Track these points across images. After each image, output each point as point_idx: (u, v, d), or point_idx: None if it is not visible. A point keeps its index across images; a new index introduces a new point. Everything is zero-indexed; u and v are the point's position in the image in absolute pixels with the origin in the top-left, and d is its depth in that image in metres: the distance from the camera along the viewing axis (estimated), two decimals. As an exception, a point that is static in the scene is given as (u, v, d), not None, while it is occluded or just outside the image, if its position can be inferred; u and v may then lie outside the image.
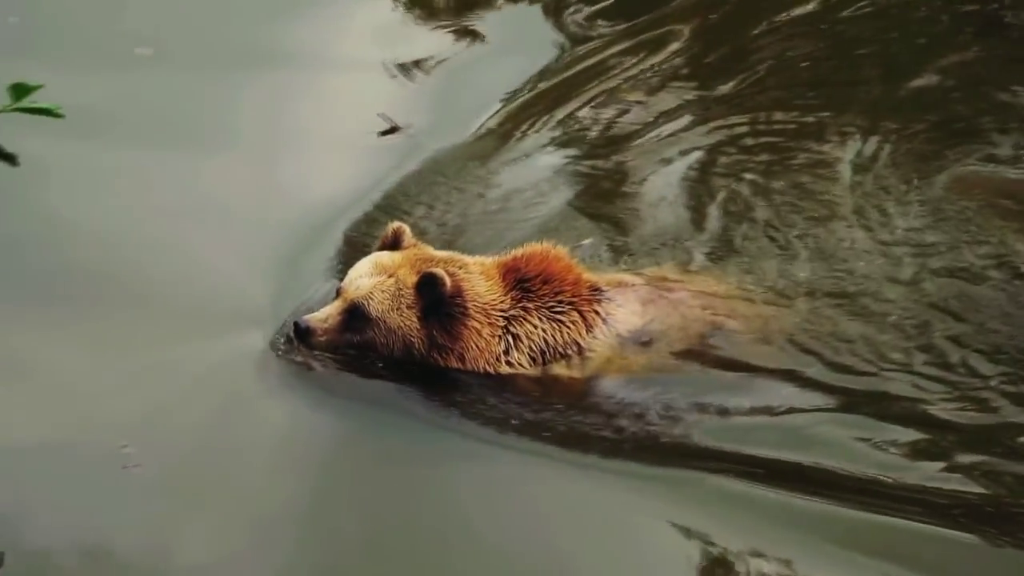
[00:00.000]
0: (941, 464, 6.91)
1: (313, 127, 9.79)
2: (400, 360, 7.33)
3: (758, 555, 6.47)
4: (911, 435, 7.08)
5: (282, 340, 7.48)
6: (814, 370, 7.47)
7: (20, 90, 5.30)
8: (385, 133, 9.71)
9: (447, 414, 7.20)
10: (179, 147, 9.28)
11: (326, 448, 7.14)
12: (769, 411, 7.23)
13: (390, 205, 8.85)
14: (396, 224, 7.54)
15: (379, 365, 7.36)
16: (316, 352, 7.34)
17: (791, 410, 7.24)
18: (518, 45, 10.96)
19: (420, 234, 8.25)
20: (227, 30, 10.72)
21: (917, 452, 7.00)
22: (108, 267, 8.10)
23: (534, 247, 7.56)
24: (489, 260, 7.53)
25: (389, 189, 9.03)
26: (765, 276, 8.06)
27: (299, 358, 7.39)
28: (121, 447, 6.86)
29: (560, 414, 7.20)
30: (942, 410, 7.24)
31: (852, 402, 7.29)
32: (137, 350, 7.52)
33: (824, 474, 6.84)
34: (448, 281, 7.17)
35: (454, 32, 11.15)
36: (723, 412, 7.21)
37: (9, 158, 5.35)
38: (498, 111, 10.11)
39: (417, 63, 10.58)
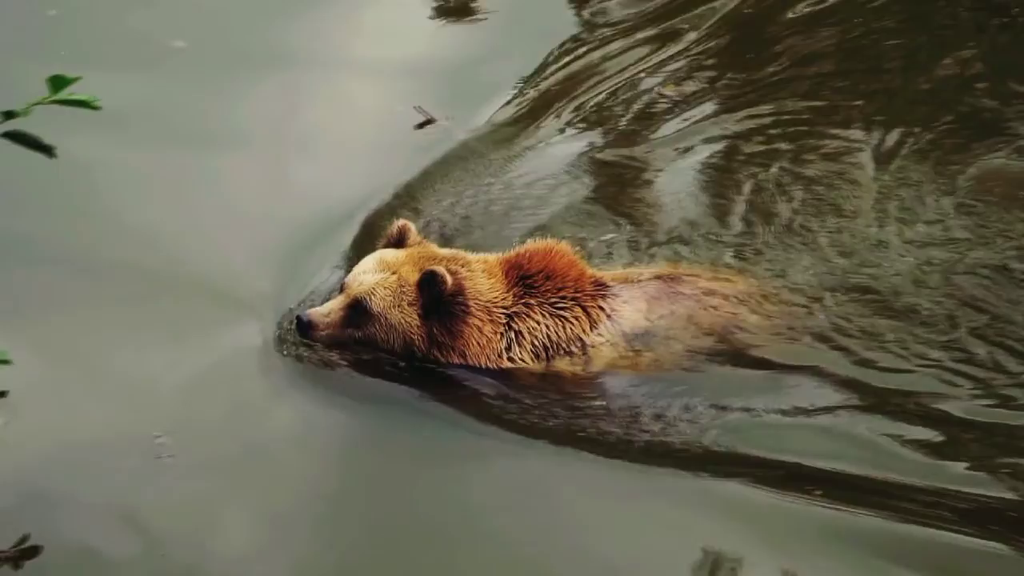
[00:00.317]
0: (965, 466, 6.82)
1: (338, 123, 9.81)
2: (404, 357, 7.39)
3: (755, 559, 6.43)
4: (936, 436, 7.00)
5: (281, 334, 7.58)
6: (836, 369, 7.40)
7: (58, 82, 5.34)
8: (421, 125, 9.72)
9: (464, 412, 7.22)
10: (204, 143, 9.33)
11: (344, 442, 7.20)
12: (784, 412, 7.17)
13: (412, 199, 8.88)
14: (401, 222, 7.60)
15: (400, 365, 7.40)
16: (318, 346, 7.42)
17: (809, 411, 7.17)
18: (537, 34, 10.92)
19: (440, 227, 8.30)
20: (251, 26, 10.73)
21: (942, 454, 6.92)
22: (136, 260, 8.18)
23: (538, 243, 7.58)
24: (493, 257, 7.56)
25: (411, 183, 9.05)
26: (787, 272, 8.02)
27: (303, 351, 7.47)
28: (155, 437, 6.92)
29: (570, 412, 7.20)
30: (967, 409, 7.15)
31: (876, 402, 7.21)
32: (162, 341, 7.62)
33: (847, 478, 6.77)
34: (449, 280, 7.22)
35: (470, 24, 11.12)
36: (734, 412, 7.15)
37: (46, 149, 5.38)
38: (519, 103, 10.10)
39: (436, 56, 10.57)
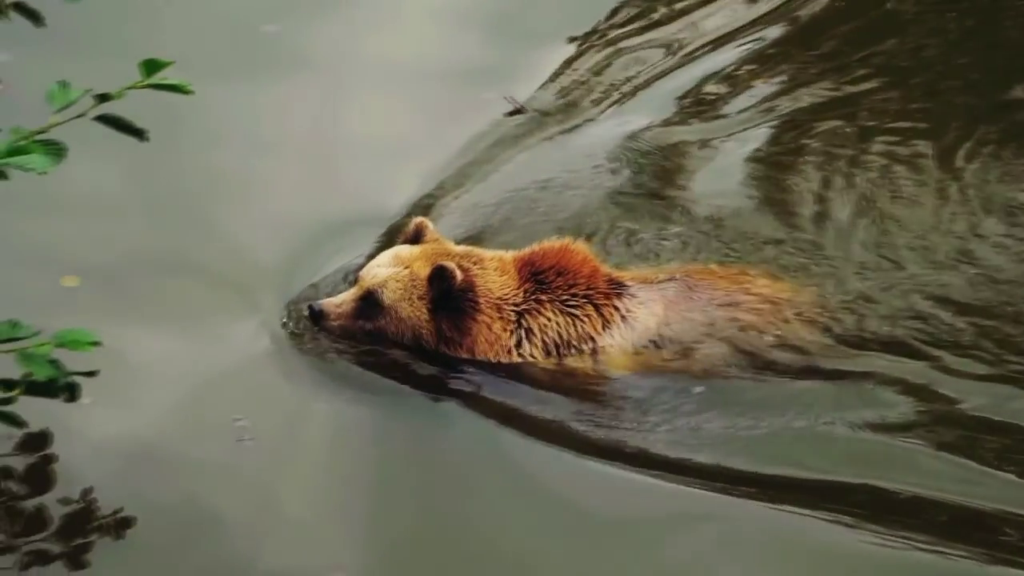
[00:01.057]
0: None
1: (413, 115, 9.84)
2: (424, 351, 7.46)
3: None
4: (966, 452, 6.74)
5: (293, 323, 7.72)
6: (879, 381, 7.19)
7: (151, 66, 5.38)
8: (511, 114, 9.74)
9: (483, 409, 7.24)
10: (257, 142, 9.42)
11: (378, 433, 7.26)
12: (819, 428, 6.97)
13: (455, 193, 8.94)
14: (419, 219, 7.70)
15: (435, 358, 7.46)
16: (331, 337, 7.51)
17: (832, 424, 6.97)
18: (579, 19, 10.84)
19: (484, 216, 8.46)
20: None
21: (981, 463, 6.68)
22: (196, 253, 8.31)
23: (553, 242, 7.59)
24: (508, 255, 7.59)
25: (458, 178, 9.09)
26: (841, 276, 7.86)
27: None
28: (235, 420, 7.07)
29: (577, 411, 7.18)
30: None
31: (935, 419, 6.98)
32: (221, 333, 7.75)
33: (878, 492, 6.57)
34: (458, 275, 7.29)
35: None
36: (765, 426, 7.00)
37: (138, 132, 5.44)
38: (568, 87, 10.06)
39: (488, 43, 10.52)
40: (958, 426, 6.91)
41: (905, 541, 6.27)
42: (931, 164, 8.81)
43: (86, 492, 6.48)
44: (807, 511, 6.46)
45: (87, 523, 6.37)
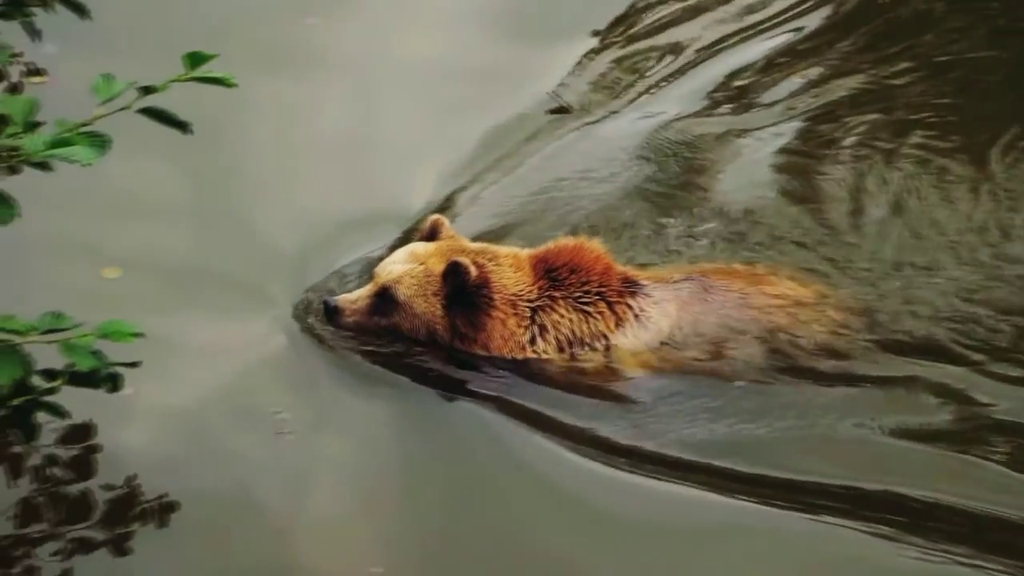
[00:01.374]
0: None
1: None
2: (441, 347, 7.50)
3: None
4: (1006, 460, 6.66)
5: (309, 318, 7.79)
6: (902, 388, 7.12)
7: (195, 59, 5.41)
8: (554, 111, 9.73)
9: (504, 409, 7.27)
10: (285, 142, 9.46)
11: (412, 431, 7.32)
12: (819, 431, 6.95)
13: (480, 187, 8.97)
14: (435, 216, 7.75)
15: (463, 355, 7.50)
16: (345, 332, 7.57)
17: (862, 430, 6.91)
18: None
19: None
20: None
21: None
22: (226, 250, 8.40)
23: (568, 239, 7.62)
24: (523, 252, 7.63)
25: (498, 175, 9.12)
26: (865, 280, 7.81)
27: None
28: (274, 413, 7.14)
29: (595, 412, 7.19)
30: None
31: (949, 426, 6.91)
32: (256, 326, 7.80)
33: (913, 502, 6.49)
34: (473, 271, 7.32)
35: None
36: (756, 427, 6.99)
37: (182, 125, 5.46)
38: (596, 77, 10.06)
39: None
40: (998, 432, 6.84)
41: (944, 555, 6.23)
42: (966, 161, 8.71)
43: (130, 479, 6.59)
44: (841, 521, 6.43)
45: (130, 511, 6.47)
